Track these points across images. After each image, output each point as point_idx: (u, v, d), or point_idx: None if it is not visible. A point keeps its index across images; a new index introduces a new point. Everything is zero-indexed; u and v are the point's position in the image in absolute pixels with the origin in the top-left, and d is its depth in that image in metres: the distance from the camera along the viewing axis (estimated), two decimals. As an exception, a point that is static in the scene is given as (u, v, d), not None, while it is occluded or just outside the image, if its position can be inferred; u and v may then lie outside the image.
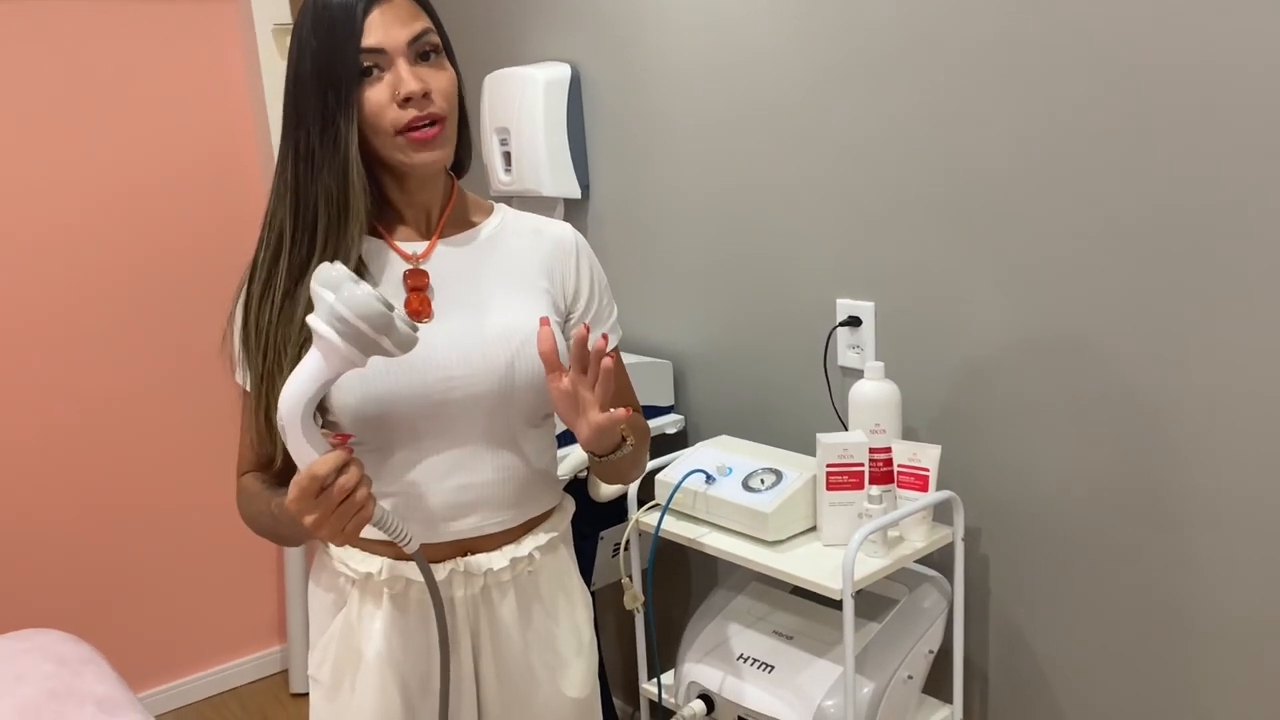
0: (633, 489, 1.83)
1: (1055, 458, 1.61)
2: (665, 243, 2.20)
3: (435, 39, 1.19)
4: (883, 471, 1.64)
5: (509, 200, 2.57)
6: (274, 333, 1.18)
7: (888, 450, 1.64)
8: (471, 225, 1.30)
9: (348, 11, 1.13)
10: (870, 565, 1.57)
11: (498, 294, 1.25)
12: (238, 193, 2.87)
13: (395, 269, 1.23)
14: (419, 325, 1.21)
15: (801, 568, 1.57)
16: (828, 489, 1.62)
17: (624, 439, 1.22)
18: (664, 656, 2.34)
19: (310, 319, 1.04)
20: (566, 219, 2.44)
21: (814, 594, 1.71)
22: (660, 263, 2.22)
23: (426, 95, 1.15)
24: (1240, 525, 1.42)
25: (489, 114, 2.41)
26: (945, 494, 1.64)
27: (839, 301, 1.87)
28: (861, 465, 1.61)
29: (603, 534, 2.10)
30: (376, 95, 1.15)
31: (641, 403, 2.16)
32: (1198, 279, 1.40)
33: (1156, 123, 1.41)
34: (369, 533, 1.20)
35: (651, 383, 2.18)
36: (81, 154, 2.64)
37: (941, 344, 1.73)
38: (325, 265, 1.05)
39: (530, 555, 1.29)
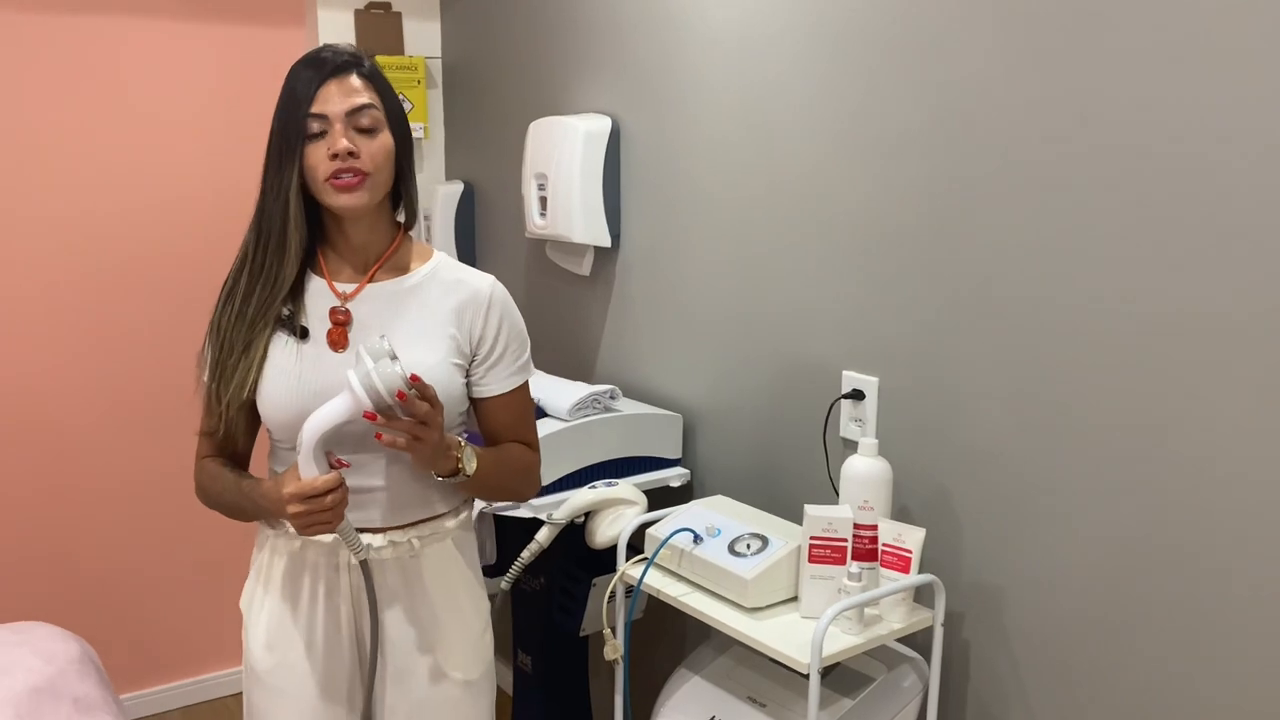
0: (622, 541, 1.86)
1: (1044, 550, 1.60)
2: (686, 298, 2.24)
3: (375, 113, 1.43)
4: (867, 549, 1.65)
5: (542, 243, 2.64)
6: (230, 332, 1.47)
7: (874, 528, 1.65)
8: (405, 271, 1.52)
9: (308, 82, 1.42)
10: (844, 641, 1.58)
11: (404, 336, 1.47)
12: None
13: (325, 304, 1.48)
14: (335, 353, 1.47)
15: (774, 637, 1.58)
16: (810, 561, 1.63)
17: (459, 468, 1.43)
18: (648, 705, 2.35)
19: (349, 373, 1.32)
20: (596, 266, 2.49)
21: (791, 663, 1.72)
22: (680, 316, 2.26)
23: (353, 154, 1.40)
24: (1235, 626, 1.40)
25: (530, 159, 2.48)
26: (927, 577, 1.64)
27: (845, 373, 1.89)
28: (845, 540, 1.62)
29: (595, 580, 2.13)
30: (315, 152, 1.41)
31: (648, 454, 2.21)
32: (1196, 375, 1.40)
33: (1163, 219, 1.41)
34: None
35: (660, 434, 2.21)
36: (176, 168, 2.76)
37: (940, 425, 1.73)
38: (376, 338, 1.33)
39: (409, 541, 1.50)
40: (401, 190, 1.51)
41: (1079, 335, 1.52)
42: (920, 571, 1.74)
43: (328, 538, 1.47)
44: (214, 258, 2.85)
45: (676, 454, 2.25)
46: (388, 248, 1.51)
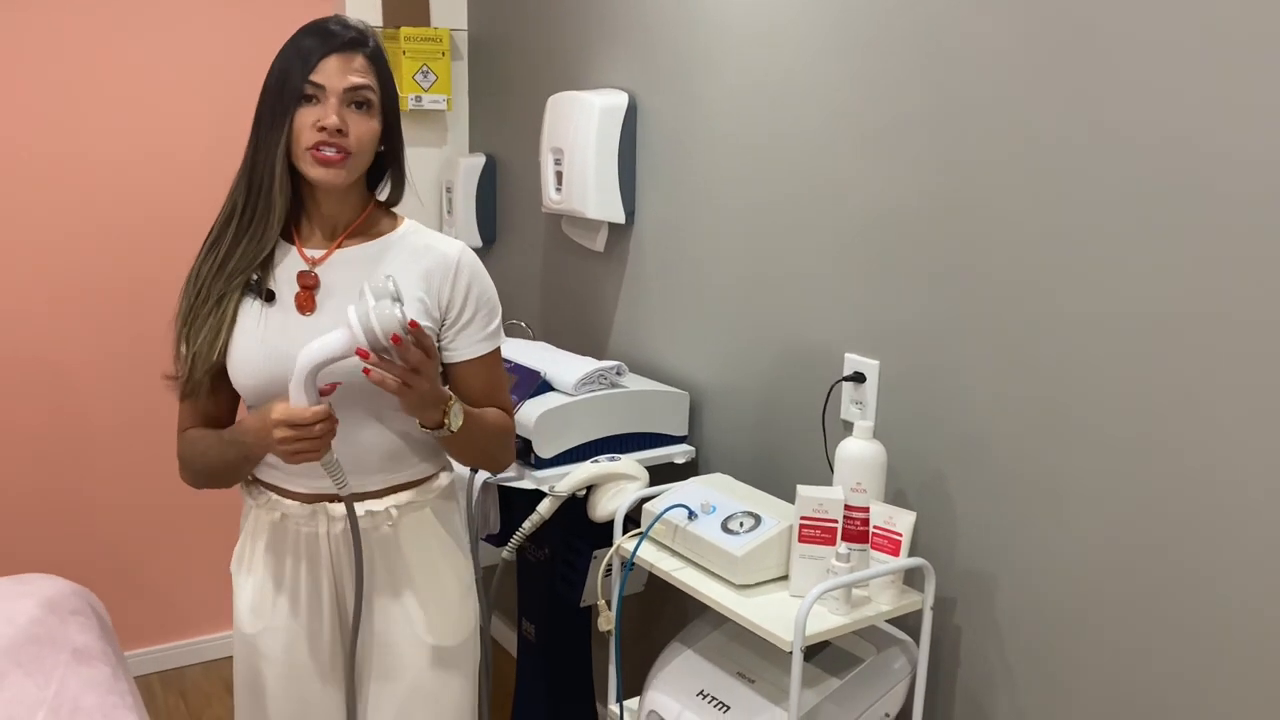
0: (619, 515, 1.88)
1: (1037, 539, 1.60)
2: (697, 276, 2.24)
3: (371, 95, 1.45)
4: (858, 530, 1.66)
5: (559, 218, 2.65)
6: (208, 283, 1.48)
7: (865, 510, 1.65)
8: (374, 237, 1.53)
9: (313, 50, 1.43)
10: (831, 621, 1.59)
11: None
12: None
13: (293, 269, 1.49)
14: (303, 316, 1.48)
15: (760, 614, 1.60)
16: (800, 541, 1.64)
17: (444, 422, 1.43)
18: (642, 678, 2.38)
19: (350, 309, 1.31)
20: (611, 243, 2.50)
21: (781, 641, 1.73)
22: (691, 295, 2.27)
23: (340, 131, 1.41)
24: (1229, 620, 1.40)
25: (548, 133, 2.49)
26: (916, 561, 1.64)
27: (847, 356, 1.89)
28: (835, 521, 1.63)
29: (595, 553, 2.15)
30: (304, 117, 1.42)
31: (655, 430, 2.22)
32: (1195, 368, 1.39)
33: (1166, 209, 1.40)
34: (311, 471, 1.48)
35: (666, 411, 2.23)
36: (195, 134, 2.81)
37: (939, 411, 1.73)
38: (382, 276, 1.35)
39: (387, 510, 1.53)
40: (390, 170, 1.54)
41: (1081, 325, 1.51)
42: (912, 555, 1.74)
43: (306, 509, 1.50)
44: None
45: (683, 431, 2.27)
46: (356, 219, 1.52)
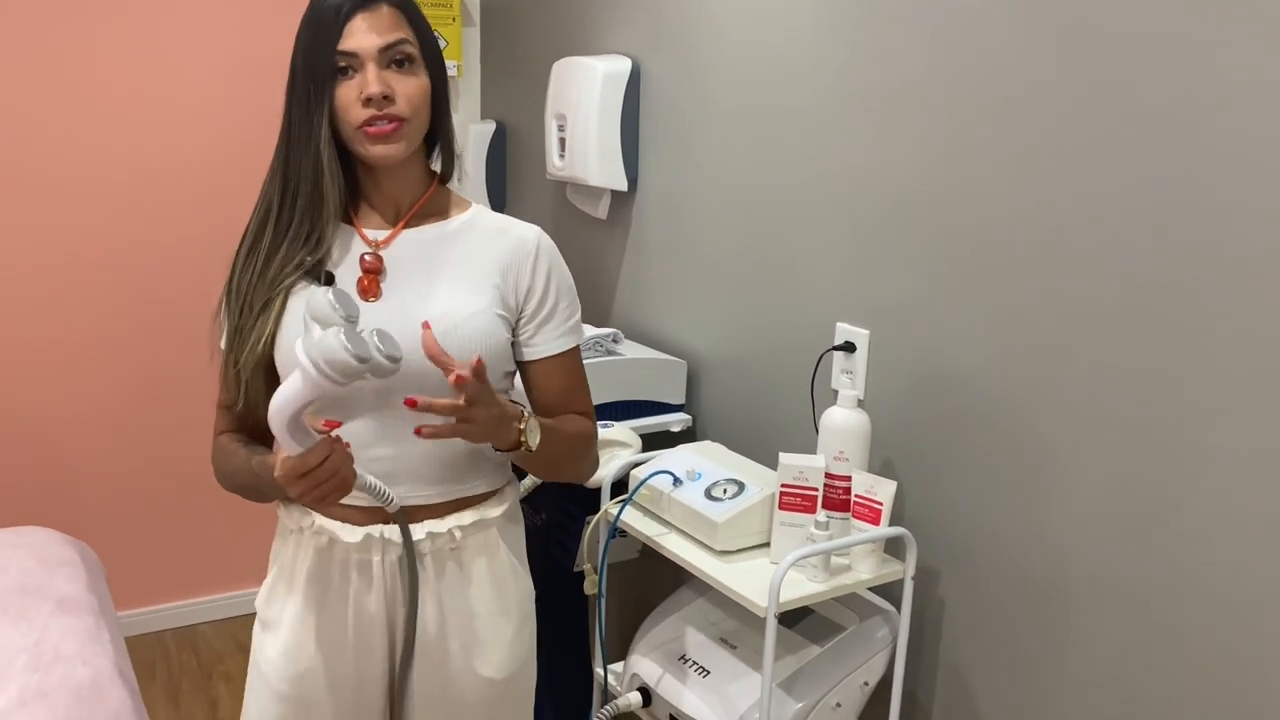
0: (607, 481, 1.89)
1: (1024, 511, 1.59)
2: (697, 244, 2.24)
3: (410, 49, 1.29)
4: (840, 499, 1.65)
5: (564, 186, 2.65)
6: (250, 292, 1.32)
7: (847, 479, 1.65)
8: (442, 218, 1.39)
9: (333, 15, 1.27)
10: (808, 588, 1.59)
11: (446, 283, 1.34)
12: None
13: (356, 251, 1.35)
14: (366, 302, 1.32)
15: (738, 580, 1.60)
16: (780, 508, 1.64)
17: (521, 441, 1.28)
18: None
19: (296, 346, 1.12)
20: (613, 210, 2.50)
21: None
22: (691, 263, 2.26)
23: (387, 98, 1.26)
24: (1218, 594, 1.39)
25: (552, 99, 2.48)
26: (897, 530, 1.64)
27: (838, 325, 1.88)
28: (816, 489, 1.63)
29: (589, 518, 2.16)
30: (345, 94, 1.28)
31: (651, 399, 2.22)
32: (1187, 343, 1.37)
33: (1162, 179, 1.37)
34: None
35: (664, 380, 2.23)
36: (216, 111, 2.84)
37: (928, 381, 1.72)
38: (318, 292, 1.14)
39: (450, 533, 1.36)
40: (438, 136, 1.37)
41: (1073, 299, 1.49)
42: (897, 525, 1.74)
43: (358, 534, 1.33)
44: (235, 174, 2.86)
45: (680, 399, 2.27)
46: (420, 197, 1.37)
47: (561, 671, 2.38)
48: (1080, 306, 1.47)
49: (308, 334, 1.13)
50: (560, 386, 1.41)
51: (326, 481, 1.17)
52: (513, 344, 1.39)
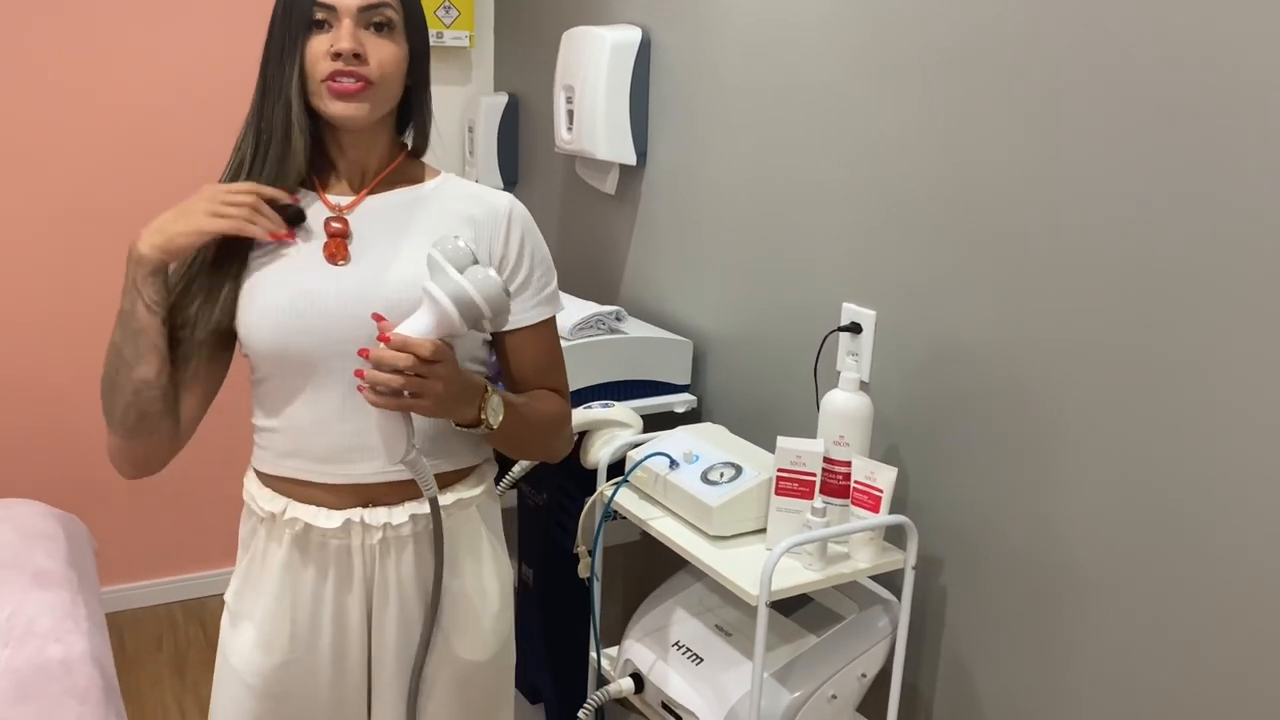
0: (603, 462, 1.85)
1: (1032, 500, 1.52)
2: (706, 221, 2.18)
3: (391, 14, 1.25)
4: (839, 485, 1.60)
5: (571, 160, 2.59)
6: (217, 248, 1.28)
7: (847, 465, 1.59)
8: (407, 185, 1.34)
9: None
10: (803, 576, 1.54)
11: (415, 249, 1.28)
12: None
13: (320, 216, 1.30)
14: (336, 266, 1.27)
15: (731, 567, 1.56)
16: (776, 493, 1.59)
17: (482, 418, 1.23)
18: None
19: (431, 287, 1.14)
20: (622, 185, 2.44)
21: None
22: (699, 240, 2.20)
23: (358, 56, 1.22)
24: (1232, 589, 1.32)
25: (560, 70, 2.43)
26: (897, 518, 1.58)
27: (844, 305, 1.81)
28: (814, 475, 1.57)
29: (588, 499, 2.12)
30: (316, 46, 1.24)
31: (656, 378, 2.17)
32: (1202, 328, 1.30)
33: (1181, 164, 1.30)
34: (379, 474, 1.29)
35: (668, 359, 2.18)
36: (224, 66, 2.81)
37: (935, 364, 1.66)
38: (448, 238, 1.17)
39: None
40: (414, 110, 1.33)
41: (1087, 280, 1.42)
42: (901, 512, 1.69)
43: (337, 518, 1.28)
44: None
45: (685, 380, 2.22)
46: (386, 165, 1.33)
47: (563, 653, 2.35)
48: (1094, 289, 1.40)
49: (443, 274, 1.14)
50: (533, 360, 1.37)
51: (234, 196, 1.21)
52: None
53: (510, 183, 2.99)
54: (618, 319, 2.16)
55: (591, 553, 1.83)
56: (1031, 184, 1.47)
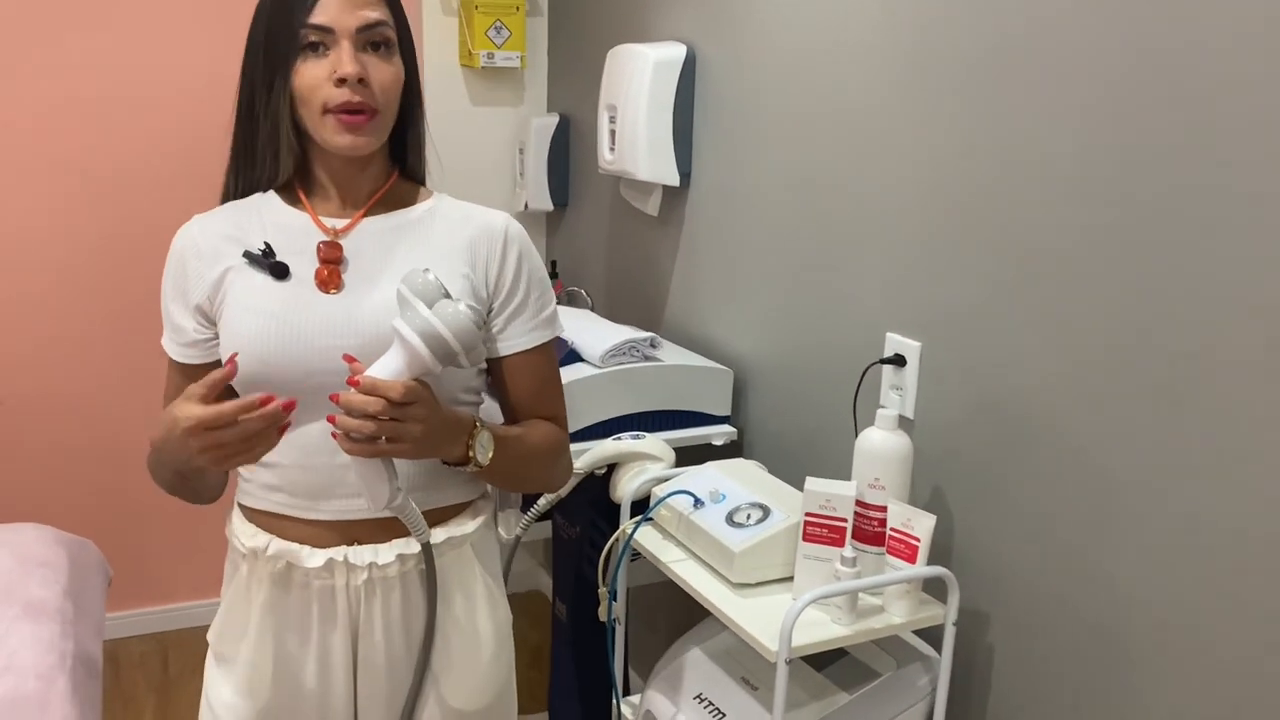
0: (627, 498, 1.75)
1: (1090, 550, 1.38)
2: (749, 245, 2.07)
3: (389, 33, 1.18)
4: (873, 532, 1.48)
5: (617, 181, 2.52)
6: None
7: (882, 510, 1.47)
8: (402, 207, 1.27)
9: None
10: (831, 631, 1.42)
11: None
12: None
13: (311, 240, 1.22)
14: (327, 294, 1.20)
15: (751, 618, 1.44)
16: (804, 539, 1.47)
17: (470, 456, 1.16)
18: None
19: (400, 324, 1.07)
20: (665, 206, 2.35)
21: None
22: (743, 265, 2.10)
23: (363, 82, 1.15)
24: None
25: (605, 90, 2.35)
26: (935, 570, 1.45)
27: (888, 336, 1.69)
28: (844, 520, 1.45)
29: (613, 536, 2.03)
30: (313, 71, 1.15)
31: (693, 409, 2.07)
32: (1274, 380, 1.16)
33: (1253, 197, 1.16)
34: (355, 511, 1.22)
35: (707, 389, 2.08)
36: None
37: (983, 402, 1.52)
38: (417, 272, 1.09)
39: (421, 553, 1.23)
40: (407, 128, 1.27)
41: (1148, 316, 1.28)
42: (945, 562, 1.56)
43: (320, 557, 1.21)
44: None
45: (725, 411, 2.11)
46: (381, 183, 1.26)
47: (596, 691, 2.25)
48: (1156, 325, 1.26)
49: (411, 310, 1.07)
50: (530, 386, 1.29)
51: (241, 441, 1.03)
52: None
53: (560, 204, 2.92)
54: (652, 345, 2.07)
55: (613, 594, 1.73)
56: (1093, 207, 1.34)
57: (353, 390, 1.06)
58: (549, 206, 2.91)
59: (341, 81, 1.13)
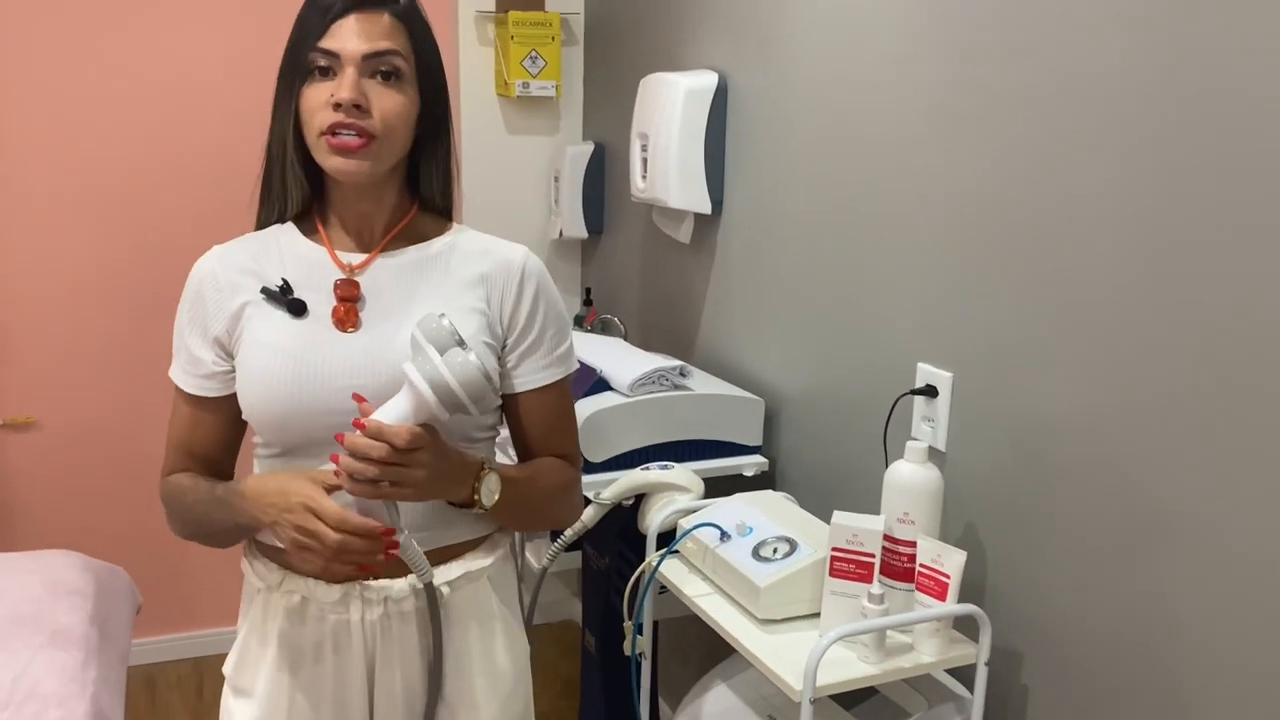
0: (653, 530, 1.73)
1: (1130, 587, 1.33)
2: (781, 273, 2.05)
3: (398, 62, 1.17)
4: (902, 568, 1.44)
5: (646, 207, 2.51)
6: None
7: (911, 545, 1.44)
8: (422, 241, 1.26)
9: (324, 11, 1.15)
10: (858, 670, 1.38)
11: (423, 311, 1.18)
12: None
13: (328, 275, 1.22)
14: (344, 333, 1.19)
15: (775, 655, 1.41)
16: (830, 575, 1.44)
17: (475, 498, 1.15)
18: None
19: (409, 369, 1.06)
20: (697, 234, 2.34)
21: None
22: (775, 293, 2.08)
23: (359, 107, 1.13)
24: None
25: (636, 118, 2.35)
26: (966, 608, 1.41)
27: (919, 366, 1.66)
28: (872, 555, 1.42)
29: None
30: (315, 94, 1.15)
31: (724, 438, 2.04)
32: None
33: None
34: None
35: (738, 418, 2.05)
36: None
37: (1019, 435, 1.48)
38: (432, 317, 1.09)
39: (438, 588, 1.22)
40: (431, 166, 1.25)
41: (1190, 344, 1.24)
42: (979, 599, 1.52)
43: (335, 592, 1.20)
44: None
45: (756, 441, 2.08)
46: (398, 221, 1.25)
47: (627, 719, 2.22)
48: (1200, 354, 1.22)
49: (422, 356, 1.06)
50: (543, 425, 1.28)
51: (336, 549, 1.08)
52: (500, 375, 1.26)
53: (595, 231, 2.92)
54: (681, 374, 2.05)
55: (638, 628, 1.70)
56: (1132, 235, 1.30)
57: (358, 433, 1.05)
58: (583, 234, 2.91)
59: (337, 106, 1.13)
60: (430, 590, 1.18)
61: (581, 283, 3.09)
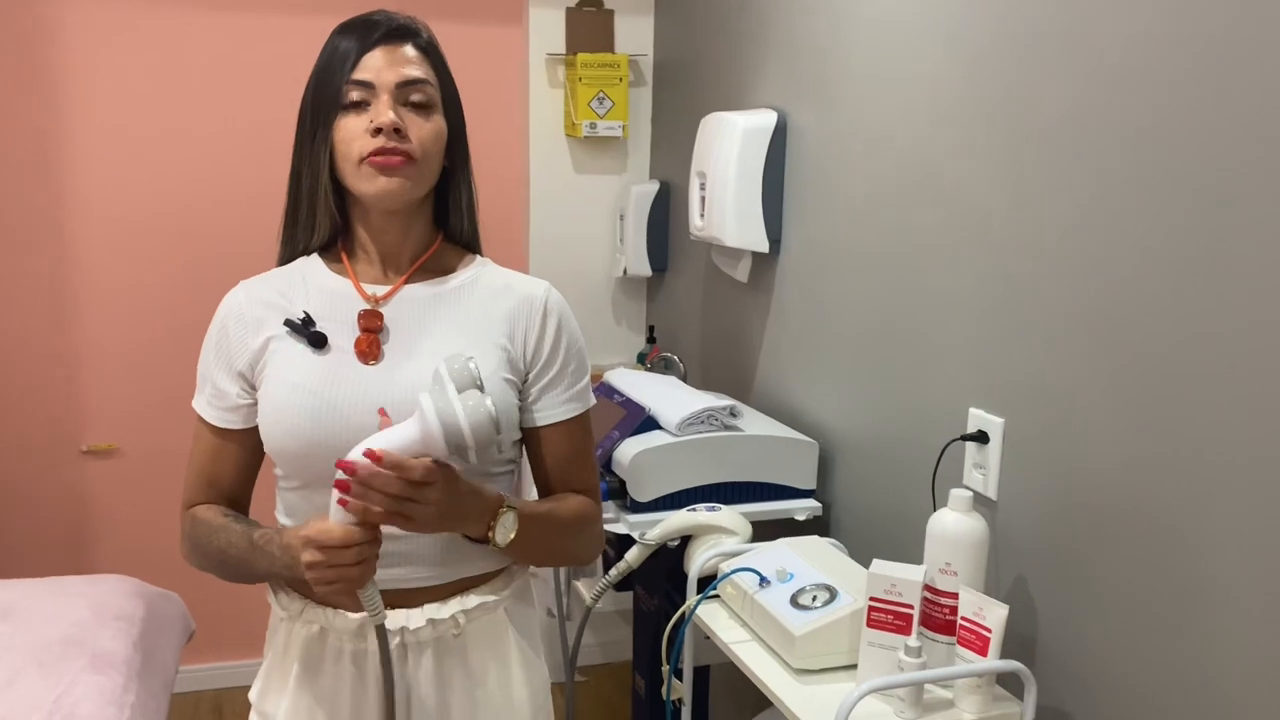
0: (694, 573, 1.70)
1: (1181, 648, 1.26)
2: (836, 313, 2.02)
3: (430, 90, 1.20)
4: (944, 620, 1.39)
5: (706, 246, 2.50)
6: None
7: (953, 596, 1.39)
8: (443, 274, 1.27)
9: (354, 44, 1.19)
10: (893, 726, 1.33)
11: (449, 344, 1.21)
12: (503, 210, 3.00)
13: (352, 307, 1.23)
14: (366, 366, 1.20)
15: (808, 707, 1.37)
16: (868, 625, 1.40)
17: (489, 535, 1.14)
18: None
19: (424, 399, 1.06)
20: (755, 273, 2.32)
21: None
22: (831, 334, 2.04)
23: (398, 131, 1.16)
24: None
25: (696, 157, 2.35)
26: (1008, 664, 1.35)
27: (971, 411, 1.61)
28: (910, 606, 1.37)
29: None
30: (351, 124, 1.17)
31: (776, 481, 2.01)
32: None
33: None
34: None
35: (790, 461, 2.01)
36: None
37: (1072, 484, 1.42)
38: (460, 356, 1.09)
39: (453, 618, 1.22)
40: (450, 194, 1.27)
41: (1252, 395, 1.18)
42: (1027, 655, 1.45)
43: (353, 623, 1.20)
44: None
45: (809, 484, 2.04)
46: (423, 247, 1.27)
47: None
48: (1263, 405, 1.16)
49: (440, 391, 1.06)
50: (563, 459, 1.27)
51: (340, 568, 1.06)
52: (520, 408, 1.26)
53: (659, 269, 2.93)
54: (732, 414, 2.02)
55: (676, 672, 1.67)
56: (1193, 276, 1.24)
57: (368, 461, 1.05)
58: (648, 272, 2.92)
59: (378, 131, 1.15)
60: (381, 632, 1.14)
61: (645, 321, 3.09)
